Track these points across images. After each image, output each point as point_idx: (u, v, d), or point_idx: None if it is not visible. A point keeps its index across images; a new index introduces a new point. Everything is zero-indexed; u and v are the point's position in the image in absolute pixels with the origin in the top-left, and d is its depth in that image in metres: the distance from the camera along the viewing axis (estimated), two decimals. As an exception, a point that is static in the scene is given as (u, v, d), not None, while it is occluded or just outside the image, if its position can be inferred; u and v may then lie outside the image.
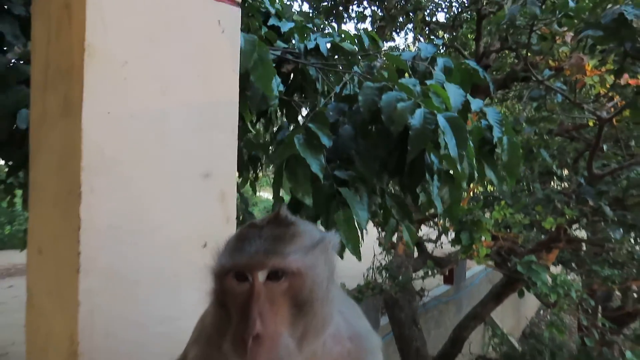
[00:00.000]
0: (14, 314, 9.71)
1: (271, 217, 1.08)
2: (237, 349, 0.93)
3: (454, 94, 2.33)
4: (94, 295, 1.50)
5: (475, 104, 2.42)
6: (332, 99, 2.70)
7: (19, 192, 4.32)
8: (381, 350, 1.17)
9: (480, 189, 7.84)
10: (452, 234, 5.97)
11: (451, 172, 2.28)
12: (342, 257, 2.02)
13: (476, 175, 2.34)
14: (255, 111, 2.57)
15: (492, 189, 7.40)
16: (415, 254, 8.93)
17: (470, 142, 2.24)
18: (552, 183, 8.05)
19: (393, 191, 2.63)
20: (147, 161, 1.63)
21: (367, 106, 2.34)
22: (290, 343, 0.96)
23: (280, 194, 2.49)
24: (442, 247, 8.78)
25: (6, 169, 3.42)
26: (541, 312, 16.56)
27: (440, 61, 2.73)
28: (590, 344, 5.37)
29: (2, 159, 3.33)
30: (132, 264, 1.59)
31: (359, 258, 2.18)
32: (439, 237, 8.59)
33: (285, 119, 3.47)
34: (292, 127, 3.18)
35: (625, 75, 4.72)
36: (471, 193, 7.76)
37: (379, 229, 9.42)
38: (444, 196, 2.32)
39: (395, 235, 8.98)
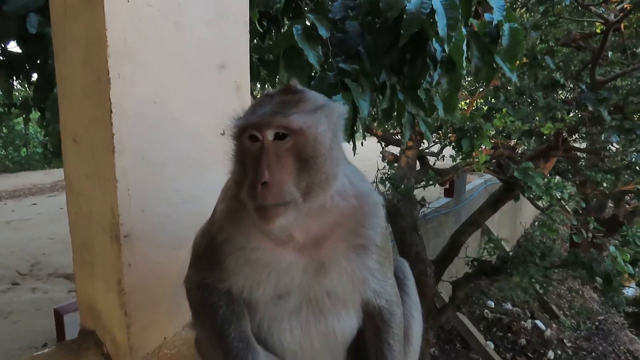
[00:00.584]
0: (40, 228, 10.26)
1: (282, 87, 1.23)
2: (250, 194, 1.11)
3: (457, -19, 2.34)
4: (128, 174, 1.68)
5: (478, -12, 2.44)
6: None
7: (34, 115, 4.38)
8: (382, 207, 1.36)
9: (483, 100, 7.87)
10: (454, 146, 6.12)
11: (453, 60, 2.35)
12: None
13: (481, 64, 2.40)
14: (262, 7, 2.58)
15: (494, 101, 7.44)
16: (418, 167, 9.18)
17: (464, 29, 2.28)
18: (556, 95, 8.05)
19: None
20: (166, 50, 1.73)
21: None
22: (295, 192, 1.12)
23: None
24: (443, 160, 9.00)
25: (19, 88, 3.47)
26: (536, 223, 17.25)
27: None
28: (578, 240, 5.73)
29: (17, 73, 3.37)
30: (159, 147, 1.76)
31: (347, 140, 2.31)
32: (441, 150, 8.78)
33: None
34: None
35: (637, -25, 4.58)
36: (473, 105, 7.81)
37: (382, 144, 9.59)
38: (442, 85, 2.41)
39: (399, 149, 9.17)
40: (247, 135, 1.16)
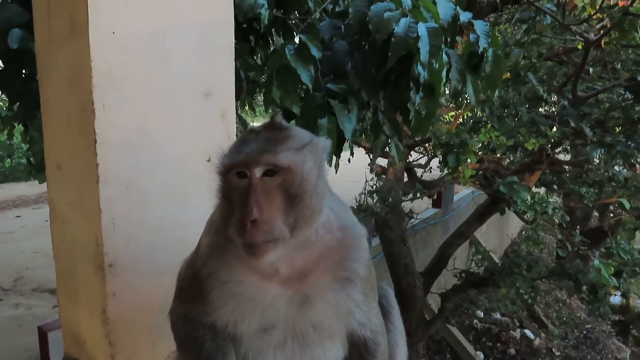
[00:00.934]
0: (24, 241, 10.09)
1: (267, 123, 1.25)
2: (239, 231, 1.13)
3: (444, 7, 2.41)
4: (113, 203, 1.68)
5: (465, 15, 2.50)
6: (326, 15, 2.75)
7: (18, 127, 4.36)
8: (366, 239, 1.38)
9: (469, 113, 7.98)
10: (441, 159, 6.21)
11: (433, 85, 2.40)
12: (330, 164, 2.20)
13: (460, 87, 2.46)
14: (242, 17, 2.60)
15: (481, 114, 7.55)
16: (406, 179, 9.26)
17: (445, 54, 2.34)
18: (540, 108, 8.20)
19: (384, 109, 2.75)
20: (152, 80, 1.74)
21: (357, 17, 2.42)
22: (284, 228, 1.15)
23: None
24: (431, 172, 9.10)
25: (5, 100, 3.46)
26: (523, 233, 17.42)
27: None
28: (562, 254, 5.81)
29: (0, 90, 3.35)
30: (144, 175, 1.76)
31: (330, 164, 2.35)
32: (428, 162, 8.87)
33: (281, 39, 3.51)
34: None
35: (615, -5, 4.72)
36: (459, 119, 7.93)
37: (370, 155, 9.65)
38: (420, 109, 2.46)
39: (387, 161, 9.25)
40: (234, 173, 1.18)
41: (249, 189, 1.14)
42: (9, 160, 16.91)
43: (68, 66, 1.69)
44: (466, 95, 2.77)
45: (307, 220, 1.20)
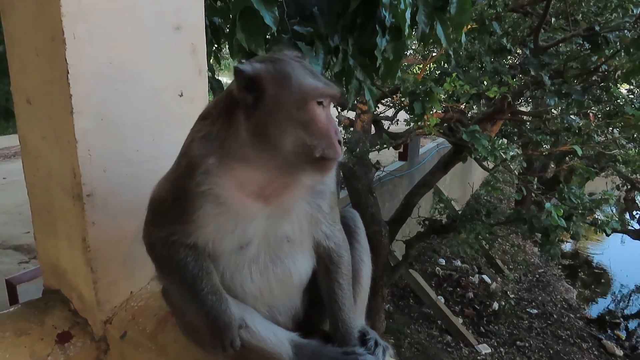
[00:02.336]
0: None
1: (298, 54, 1.41)
2: (331, 149, 1.26)
3: (409, -55, 2.42)
4: (88, 135, 1.71)
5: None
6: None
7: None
8: None
9: (434, 64, 8.08)
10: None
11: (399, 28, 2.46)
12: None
13: (427, 30, 2.53)
14: None
15: (447, 66, 7.66)
16: (373, 131, 9.39)
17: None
18: (504, 60, 8.37)
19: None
20: (122, 10, 1.73)
21: None
22: None
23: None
24: (397, 124, 9.25)
25: None
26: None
27: None
28: (518, 197, 6.17)
29: None
30: (118, 108, 1.79)
31: None
32: (395, 114, 9.01)
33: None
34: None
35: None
36: (426, 69, 8.01)
37: (338, 108, 9.69)
38: (388, 50, 2.53)
39: (354, 113, 9.31)
40: (317, 100, 1.28)
41: (329, 115, 1.31)
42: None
43: (34, -5, 1.66)
44: (434, 40, 2.83)
45: None
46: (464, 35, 2.91)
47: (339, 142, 1.29)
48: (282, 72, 1.28)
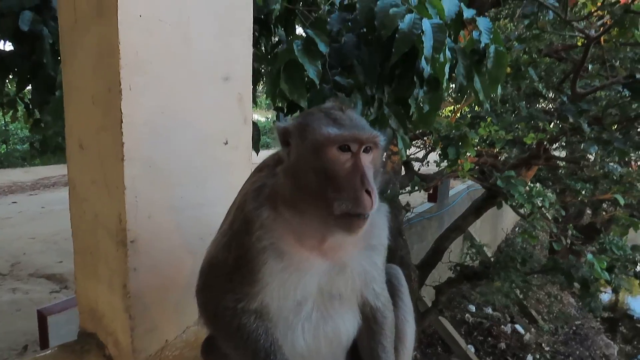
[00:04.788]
0: (21, 227, 10.08)
1: (339, 104, 1.33)
2: (357, 203, 1.18)
3: (449, 3, 2.47)
4: (136, 181, 1.74)
5: (469, 12, 2.57)
6: (335, 8, 2.80)
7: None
8: (389, 214, 1.47)
9: (467, 108, 8.05)
10: (439, 153, 6.28)
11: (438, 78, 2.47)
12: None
13: (465, 82, 2.53)
14: (257, 14, 2.66)
15: (479, 109, 7.62)
16: (403, 173, 9.33)
17: (448, 50, 2.40)
18: (538, 104, 8.28)
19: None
20: (175, 63, 1.79)
21: (364, 12, 2.48)
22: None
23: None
24: (428, 166, 9.18)
25: (14, 83, 3.48)
26: (517, 229, 17.59)
27: None
28: (557, 248, 5.93)
29: (9, 71, 3.38)
30: (166, 155, 1.82)
31: None
32: (425, 156, 8.96)
33: (283, 31, 3.55)
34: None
35: (617, -7, 4.79)
36: (459, 112, 7.99)
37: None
38: (425, 101, 2.53)
39: (385, 154, 9.30)
40: (336, 147, 1.22)
41: (359, 162, 1.21)
42: (4, 146, 16.82)
43: (94, 47, 1.74)
44: (472, 93, 2.83)
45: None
46: (500, 87, 2.90)
47: (368, 192, 1.18)
48: (303, 123, 1.29)
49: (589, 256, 5.28)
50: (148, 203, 1.78)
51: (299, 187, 1.26)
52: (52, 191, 13.86)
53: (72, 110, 1.96)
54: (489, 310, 13.37)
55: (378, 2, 2.43)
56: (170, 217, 1.85)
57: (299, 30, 3.63)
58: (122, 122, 1.66)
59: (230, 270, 1.34)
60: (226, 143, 2.02)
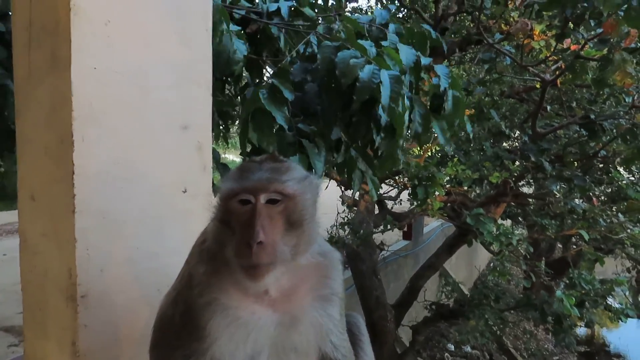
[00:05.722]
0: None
1: (267, 156, 1.33)
2: (242, 253, 1.18)
3: (406, 53, 2.58)
4: (88, 234, 1.69)
5: (426, 60, 2.69)
6: (297, 58, 2.88)
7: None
8: (341, 264, 1.46)
9: (437, 148, 8.25)
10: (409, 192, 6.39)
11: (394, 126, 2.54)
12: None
13: (421, 130, 2.61)
14: (220, 75, 2.73)
15: (447, 149, 7.83)
16: (377, 211, 9.39)
17: (407, 99, 2.49)
18: (504, 143, 8.57)
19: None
20: (131, 114, 1.79)
21: (325, 63, 2.57)
22: (286, 250, 1.23)
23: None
24: (401, 204, 9.27)
25: None
26: (491, 264, 17.73)
27: (392, 27, 2.98)
28: (527, 284, 5.98)
29: None
30: (120, 206, 1.78)
31: None
32: (398, 195, 9.06)
33: (249, 77, 3.63)
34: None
35: (568, 40, 5.09)
36: (428, 152, 8.18)
37: (342, 188, 9.78)
38: (382, 147, 2.60)
39: (357, 194, 9.37)
40: (237, 199, 1.23)
41: (254, 213, 1.20)
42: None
43: (47, 99, 1.72)
44: (434, 135, 2.93)
45: (306, 246, 1.30)
46: (469, 126, 3.00)
47: (249, 244, 1.17)
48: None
49: (558, 293, 5.36)
50: (101, 256, 1.73)
51: (218, 239, 1.29)
52: (14, 237, 13.32)
53: (24, 161, 1.92)
54: (468, 349, 13.23)
55: (338, 54, 2.52)
56: (125, 270, 1.80)
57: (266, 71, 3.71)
58: (73, 173, 1.63)
59: (178, 327, 1.32)
60: (185, 191, 2.00)
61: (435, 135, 3.06)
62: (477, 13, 5.74)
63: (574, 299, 5.41)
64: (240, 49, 2.62)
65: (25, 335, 2.03)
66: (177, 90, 1.94)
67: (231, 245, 1.22)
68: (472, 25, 8.78)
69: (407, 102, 2.49)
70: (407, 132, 2.60)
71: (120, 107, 1.75)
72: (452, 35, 9.45)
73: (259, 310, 1.30)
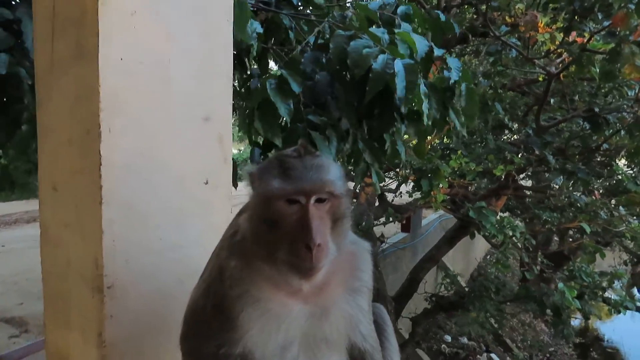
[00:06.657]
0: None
1: (302, 149, 1.30)
2: (300, 256, 1.19)
3: (420, 43, 2.56)
4: (114, 225, 1.69)
5: (439, 51, 2.67)
6: (307, 47, 2.86)
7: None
8: (370, 253, 1.48)
9: (438, 140, 8.27)
10: (411, 184, 6.41)
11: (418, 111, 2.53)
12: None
13: (438, 116, 2.60)
14: (236, 49, 2.68)
15: (448, 141, 7.85)
16: (377, 204, 9.41)
17: (423, 86, 2.48)
18: (504, 136, 8.60)
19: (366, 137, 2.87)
20: (155, 105, 1.78)
21: (337, 53, 2.53)
22: (333, 248, 1.24)
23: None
24: (401, 197, 9.30)
25: None
26: (488, 257, 17.85)
27: (401, 9, 2.92)
28: (530, 277, 6.05)
29: None
30: (145, 197, 1.78)
31: None
32: (398, 187, 9.08)
33: (256, 67, 3.59)
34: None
35: (573, 33, 5.10)
36: (429, 145, 8.19)
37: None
38: (410, 134, 2.59)
39: (358, 186, 9.38)
40: (284, 199, 1.22)
41: (306, 215, 1.20)
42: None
43: (72, 90, 1.71)
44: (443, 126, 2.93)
45: (344, 240, 1.32)
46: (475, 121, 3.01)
47: (309, 247, 1.17)
48: (256, 173, 1.31)
49: (560, 285, 5.41)
50: (126, 246, 1.73)
51: (257, 235, 1.28)
52: (13, 229, 13.26)
53: (46, 152, 1.91)
54: (465, 340, 13.37)
55: (351, 43, 2.49)
56: (148, 260, 1.80)
57: (272, 64, 3.68)
58: (100, 164, 1.63)
59: (209, 318, 1.33)
60: (206, 183, 2.00)
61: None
62: (481, 5, 5.73)
63: (575, 291, 5.47)
64: (257, 27, 2.58)
65: (45, 324, 2.04)
66: (198, 81, 1.93)
67: (280, 245, 1.21)
68: (475, 17, 8.76)
69: (425, 90, 2.47)
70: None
71: (145, 98, 1.75)
72: (454, 28, 9.41)
73: (291, 303, 1.32)
